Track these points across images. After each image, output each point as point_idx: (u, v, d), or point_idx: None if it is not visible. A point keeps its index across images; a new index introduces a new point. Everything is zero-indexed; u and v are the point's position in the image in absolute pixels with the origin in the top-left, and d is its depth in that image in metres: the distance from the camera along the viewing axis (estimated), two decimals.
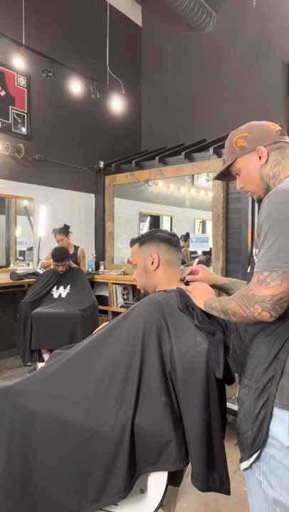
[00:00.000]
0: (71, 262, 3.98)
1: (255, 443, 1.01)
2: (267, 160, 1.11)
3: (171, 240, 1.35)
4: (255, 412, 1.01)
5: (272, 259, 0.92)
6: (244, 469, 1.08)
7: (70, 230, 4.36)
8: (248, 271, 1.14)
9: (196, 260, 4.73)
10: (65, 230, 4.32)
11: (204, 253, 5.05)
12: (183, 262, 5.46)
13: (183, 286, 1.27)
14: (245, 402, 1.06)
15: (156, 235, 1.36)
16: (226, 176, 1.24)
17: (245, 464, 1.06)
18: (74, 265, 3.98)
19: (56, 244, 4.25)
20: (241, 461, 1.08)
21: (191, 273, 1.34)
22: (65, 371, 1.21)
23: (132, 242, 1.41)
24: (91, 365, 1.17)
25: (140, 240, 1.38)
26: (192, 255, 5.27)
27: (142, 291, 1.39)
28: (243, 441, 1.06)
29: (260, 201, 1.16)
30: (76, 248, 4.48)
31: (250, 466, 1.05)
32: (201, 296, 1.17)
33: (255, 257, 1.04)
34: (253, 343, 1.07)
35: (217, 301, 1.08)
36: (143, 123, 6.25)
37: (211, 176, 4.50)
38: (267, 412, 0.99)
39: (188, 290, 1.22)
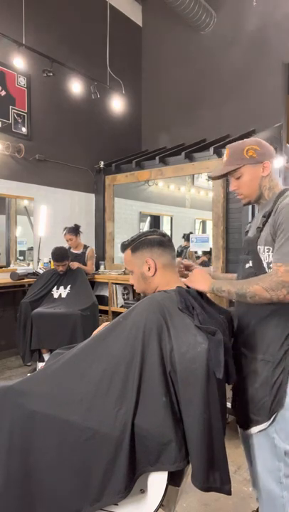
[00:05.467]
0: (75, 263, 3.99)
1: (273, 405, 1.24)
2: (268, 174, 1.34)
3: (163, 242, 1.33)
4: (273, 379, 1.25)
5: None
6: (259, 431, 1.29)
7: (80, 230, 4.39)
8: (251, 265, 1.34)
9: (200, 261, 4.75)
10: (74, 230, 4.34)
11: (204, 253, 5.05)
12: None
13: (183, 281, 1.33)
14: (262, 373, 1.28)
15: (147, 240, 1.32)
16: (222, 175, 1.41)
17: (264, 425, 1.27)
18: (76, 265, 3.98)
19: (65, 243, 4.32)
20: (257, 424, 1.29)
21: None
22: (66, 371, 1.21)
23: (123, 248, 1.37)
24: (91, 365, 1.17)
25: (132, 247, 1.34)
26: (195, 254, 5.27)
27: (142, 295, 1.38)
28: (259, 407, 1.28)
29: (247, 204, 1.42)
30: (85, 247, 4.49)
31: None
32: (203, 280, 1.30)
33: (265, 254, 1.27)
34: (263, 325, 1.29)
35: (229, 285, 1.26)
36: (143, 123, 6.25)
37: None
38: (284, 378, 1.23)
39: (188, 280, 1.32)
